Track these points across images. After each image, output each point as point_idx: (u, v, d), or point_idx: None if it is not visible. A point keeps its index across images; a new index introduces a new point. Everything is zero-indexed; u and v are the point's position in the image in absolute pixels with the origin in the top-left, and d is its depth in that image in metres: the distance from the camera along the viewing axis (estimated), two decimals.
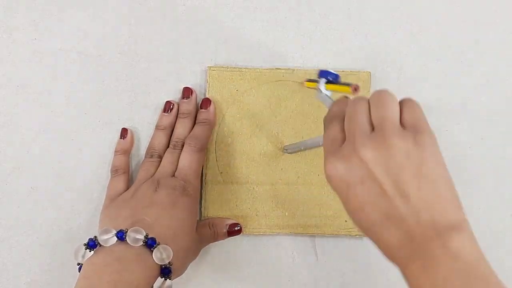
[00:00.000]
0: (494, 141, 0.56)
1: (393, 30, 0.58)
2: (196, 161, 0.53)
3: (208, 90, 0.56)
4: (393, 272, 0.55)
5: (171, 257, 0.46)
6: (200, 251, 0.53)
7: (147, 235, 0.46)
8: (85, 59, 0.57)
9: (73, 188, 0.56)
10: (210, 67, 0.56)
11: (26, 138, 0.56)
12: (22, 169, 0.56)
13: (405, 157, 0.38)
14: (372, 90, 0.56)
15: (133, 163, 0.56)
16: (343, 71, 0.56)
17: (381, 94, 0.41)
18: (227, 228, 0.54)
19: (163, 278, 0.46)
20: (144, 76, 0.57)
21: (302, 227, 0.55)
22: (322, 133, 0.43)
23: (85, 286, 0.44)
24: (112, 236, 0.45)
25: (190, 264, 0.51)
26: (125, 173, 0.55)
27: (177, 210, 0.50)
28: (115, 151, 0.56)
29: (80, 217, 0.56)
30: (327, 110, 0.44)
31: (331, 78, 0.47)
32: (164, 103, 0.56)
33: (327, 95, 0.47)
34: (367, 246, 0.55)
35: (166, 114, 0.56)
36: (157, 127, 0.56)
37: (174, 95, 0.57)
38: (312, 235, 0.56)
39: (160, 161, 0.54)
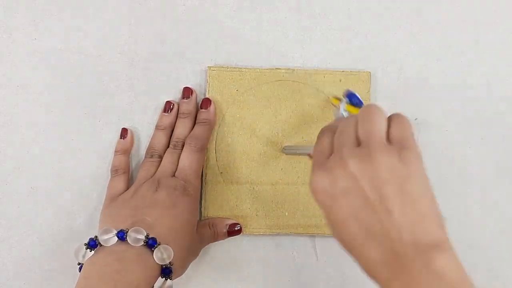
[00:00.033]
0: (494, 141, 0.56)
1: (393, 30, 0.58)
2: (196, 161, 0.53)
3: (208, 90, 0.56)
4: None
5: (172, 257, 0.46)
6: (200, 251, 0.53)
7: (148, 235, 0.46)
8: (85, 59, 0.57)
9: (73, 188, 0.56)
10: (210, 67, 0.56)
11: (26, 138, 0.56)
12: (22, 169, 0.56)
13: (389, 172, 0.38)
14: (372, 90, 0.56)
15: (133, 163, 0.56)
16: (343, 71, 0.56)
17: (369, 109, 0.41)
18: (227, 228, 0.54)
19: (164, 278, 0.46)
20: (144, 76, 0.57)
21: (302, 227, 0.55)
22: None
23: (85, 286, 0.44)
24: (113, 236, 0.45)
25: (191, 264, 0.51)
26: (125, 173, 0.55)
27: (178, 210, 0.50)
28: (115, 151, 0.56)
29: (80, 217, 0.56)
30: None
31: (354, 101, 0.48)
32: (164, 103, 0.56)
33: (342, 114, 0.48)
34: None
35: (166, 114, 0.56)
36: (157, 127, 0.56)
37: (174, 95, 0.57)
38: (312, 235, 0.56)
39: (160, 161, 0.54)
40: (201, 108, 0.55)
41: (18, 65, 0.57)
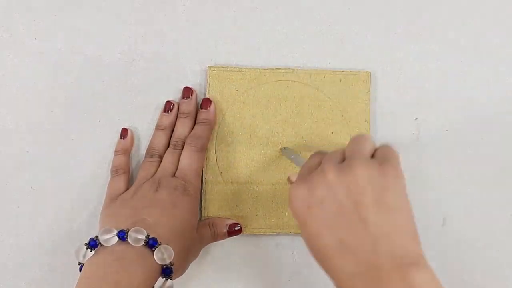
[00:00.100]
0: (494, 141, 0.56)
1: (393, 30, 0.58)
2: (197, 161, 0.53)
3: (208, 90, 0.56)
4: None
5: (172, 257, 0.46)
6: (200, 251, 0.53)
7: (149, 235, 0.46)
8: (85, 59, 0.57)
9: (73, 188, 0.56)
10: (210, 67, 0.56)
11: (26, 138, 0.56)
12: (22, 169, 0.56)
13: (367, 182, 0.38)
14: (372, 90, 0.56)
15: (133, 163, 0.56)
16: (343, 71, 0.56)
17: (359, 135, 0.43)
18: (227, 228, 0.54)
19: (164, 278, 0.46)
20: (144, 76, 0.57)
21: None
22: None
23: (86, 286, 0.44)
24: (113, 236, 0.45)
25: (191, 264, 0.51)
26: (125, 173, 0.55)
27: (178, 210, 0.50)
28: (115, 151, 0.56)
29: (80, 217, 0.56)
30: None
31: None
32: (164, 103, 0.56)
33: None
34: None
35: (166, 114, 0.56)
36: (157, 127, 0.56)
37: (174, 95, 0.57)
38: None
39: (161, 161, 0.54)
40: (201, 108, 0.55)
41: (18, 65, 0.57)
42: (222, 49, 0.57)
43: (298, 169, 0.45)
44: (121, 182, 0.54)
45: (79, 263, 0.46)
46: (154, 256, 0.45)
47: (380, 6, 0.58)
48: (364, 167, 0.39)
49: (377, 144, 0.42)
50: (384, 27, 0.58)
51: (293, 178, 0.44)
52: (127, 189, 0.53)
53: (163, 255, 0.45)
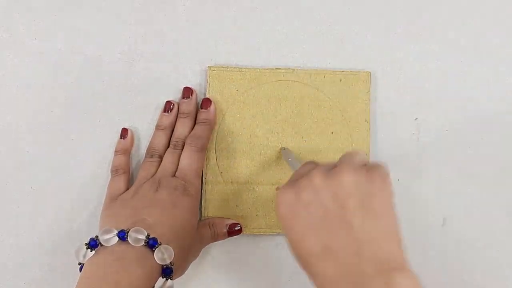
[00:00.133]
0: (494, 141, 0.56)
1: (393, 30, 0.58)
2: (197, 161, 0.53)
3: (208, 90, 0.56)
4: None
5: (173, 257, 0.46)
6: (200, 251, 0.53)
7: (149, 235, 0.46)
8: (85, 59, 0.57)
9: (73, 188, 0.56)
10: (210, 67, 0.56)
11: (26, 138, 0.56)
12: (22, 169, 0.56)
13: (354, 187, 0.38)
14: (372, 90, 0.56)
15: (133, 163, 0.56)
16: (343, 71, 0.56)
17: (353, 150, 0.44)
18: (227, 228, 0.54)
19: (164, 278, 0.46)
20: (144, 76, 0.57)
21: None
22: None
23: (86, 286, 0.44)
24: (114, 236, 0.45)
25: (191, 264, 0.51)
26: (125, 173, 0.55)
27: (178, 210, 0.50)
28: (115, 151, 0.56)
29: (80, 217, 0.56)
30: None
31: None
32: (164, 103, 0.56)
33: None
34: None
35: (166, 114, 0.56)
36: (157, 127, 0.56)
37: (174, 95, 0.57)
38: None
39: (161, 161, 0.54)
40: (201, 108, 0.55)
41: (18, 65, 0.57)
42: (222, 49, 0.57)
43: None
44: (121, 182, 0.54)
45: (79, 263, 0.46)
46: (154, 256, 0.45)
47: (380, 6, 0.58)
48: (352, 173, 0.39)
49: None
50: (384, 27, 0.58)
51: None
52: (127, 189, 0.53)
53: (163, 255, 0.45)
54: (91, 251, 0.45)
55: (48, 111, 0.56)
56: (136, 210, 0.49)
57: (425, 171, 0.56)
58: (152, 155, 0.54)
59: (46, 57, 0.57)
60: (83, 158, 0.56)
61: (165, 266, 0.46)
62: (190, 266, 0.51)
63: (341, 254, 0.37)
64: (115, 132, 0.56)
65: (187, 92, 0.56)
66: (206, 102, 0.55)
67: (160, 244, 0.46)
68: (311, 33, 0.58)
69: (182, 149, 0.54)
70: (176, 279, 0.48)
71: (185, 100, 0.56)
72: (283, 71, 0.56)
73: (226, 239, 0.54)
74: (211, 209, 0.55)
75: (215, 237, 0.54)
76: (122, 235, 0.45)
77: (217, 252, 0.56)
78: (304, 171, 0.43)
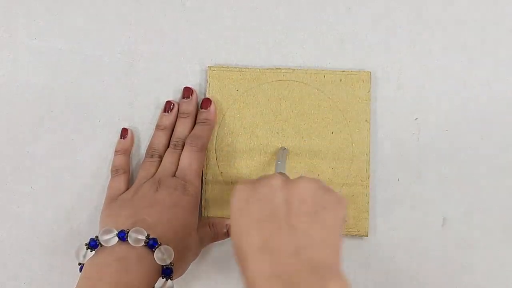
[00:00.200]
0: (494, 141, 0.56)
1: (393, 30, 0.58)
2: (197, 161, 0.53)
3: (208, 90, 0.56)
4: (393, 273, 0.55)
5: (173, 258, 0.46)
6: (200, 251, 0.53)
7: (149, 236, 0.46)
8: (85, 59, 0.57)
9: (73, 188, 0.56)
10: (210, 66, 0.56)
11: (26, 138, 0.56)
12: (22, 169, 0.56)
13: (309, 195, 0.39)
14: (372, 90, 0.56)
15: (133, 163, 0.56)
16: (343, 71, 0.56)
17: None
18: (227, 228, 0.54)
19: (164, 279, 0.46)
20: (144, 76, 0.57)
21: None
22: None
23: (86, 286, 0.44)
24: (114, 236, 0.45)
25: (191, 264, 0.51)
26: (125, 173, 0.55)
27: (178, 210, 0.50)
28: (115, 151, 0.56)
29: (80, 217, 0.56)
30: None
31: None
32: (164, 103, 0.56)
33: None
34: (367, 246, 0.55)
35: (166, 114, 0.56)
36: (157, 127, 0.56)
37: (174, 95, 0.57)
38: None
39: (161, 161, 0.54)
40: (201, 108, 0.56)
41: (18, 65, 0.57)
42: (222, 49, 0.58)
43: None
44: (121, 182, 0.54)
45: (79, 263, 0.46)
46: (154, 257, 0.45)
47: (380, 6, 0.58)
48: (312, 183, 0.40)
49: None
50: (384, 27, 0.58)
51: None
52: (127, 189, 0.53)
53: (163, 255, 0.45)
54: (91, 251, 0.45)
55: (48, 111, 0.57)
56: (136, 210, 0.49)
57: (425, 171, 0.56)
58: (152, 155, 0.54)
59: (46, 57, 0.57)
60: (83, 158, 0.56)
61: (165, 266, 0.46)
62: (190, 266, 0.51)
63: (279, 253, 0.37)
64: (115, 132, 0.56)
65: (187, 92, 0.56)
66: (206, 102, 0.55)
67: (160, 245, 0.46)
68: (311, 33, 0.58)
69: (182, 149, 0.54)
70: (176, 279, 0.48)
71: (185, 100, 0.56)
72: (283, 71, 0.56)
73: (226, 239, 0.54)
74: (211, 209, 0.55)
75: (215, 237, 0.54)
76: (122, 236, 0.45)
77: (217, 252, 0.56)
78: (269, 175, 0.43)
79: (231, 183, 0.55)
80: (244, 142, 0.56)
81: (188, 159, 0.53)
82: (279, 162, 0.52)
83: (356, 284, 0.55)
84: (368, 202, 0.55)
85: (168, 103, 0.56)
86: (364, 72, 0.56)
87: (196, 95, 0.56)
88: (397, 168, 0.56)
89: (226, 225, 0.54)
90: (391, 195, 0.56)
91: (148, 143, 0.56)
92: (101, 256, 0.45)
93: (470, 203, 0.56)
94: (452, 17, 0.58)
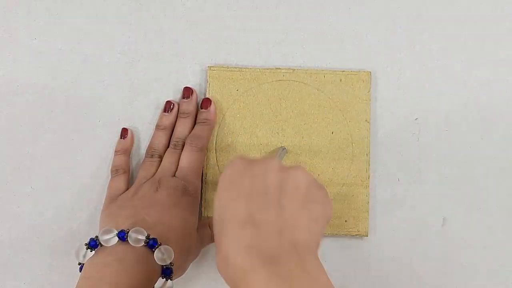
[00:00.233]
0: (494, 141, 0.56)
1: (393, 30, 0.58)
2: (197, 161, 0.53)
3: (208, 90, 0.56)
4: (393, 273, 0.55)
5: (173, 258, 0.46)
6: (200, 251, 0.53)
7: (149, 236, 0.46)
8: (85, 59, 0.57)
9: (73, 188, 0.56)
10: (210, 66, 0.56)
11: (26, 138, 0.56)
12: (22, 169, 0.56)
13: (304, 184, 0.40)
14: (372, 90, 0.56)
15: (133, 163, 0.56)
16: (343, 71, 0.56)
17: None
18: None
19: (164, 279, 0.46)
20: (144, 76, 0.57)
21: None
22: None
23: (86, 286, 0.44)
24: (114, 236, 0.45)
25: (191, 264, 0.51)
26: (125, 173, 0.55)
27: (178, 210, 0.50)
28: (115, 151, 0.56)
29: (80, 217, 0.56)
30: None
31: None
32: (164, 103, 0.56)
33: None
34: (367, 247, 0.55)
35: (166, 114, 0.56)
36: (157, 127, 0.56)
37: (174, 95, 0.57)
38: None
39: (161, 161, 0.54)
40: (201, 108, 0.56)
41: (18, 65, 0.57)
42: (222, 49, 0.58)
43: None
44: (121, 182, 0.54)
45: (79, 263, 0.46)
46: (154, 257, 0.45)
47: (380, 6, 0.58)
48: (308, 176, 0.41)
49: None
50: (384, 27, 0.58)
51: None
52: (127, 189, 0.53)
53: (163, 256, 0.45)
54: (91, 251, 0.45)
55: (48, 111, 0.56)
56: (136, 210, 0.49)
57: (425, 171, 0.56)
58: (152, 155, 0.54)
59: (46, 57, 0.57)
60: (83, 158, 0.56)
61: (165, 267, 0.46)
62: (190, 266, 0.51)
63: (263, 228, 0.37)
64: (115, 132, 0.56)
65: (187, 92, 0.56)
66: (206, 102, 0.55)
67: (160, 245, 0.46)
68: (311, 33, 0.58)
69: (182, 149, 0.54)
70: (176, 279, 0.48)
71: (185, 100, 0.56)
72: (283, 71, 0.56)
73: None
74: (211, 209, 0.55)
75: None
76: (122, 235, 0.45)
77: None
78: (268, 157, 0.43)
79: None
80: (244, 142, 0.56)
81: (188, 159, 0.53)
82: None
83: (356, 284, 0.55)
84: (368, 202, 0.55)
85: (168, 103, 0.56)
86: (364, 72, 0.56)
87: (196, 95, 0.56)
88: (397, 168, 0.56)
89: None
90: (391, 195, 0.56)
91: (148, 143, 0.56)
92: (101, 256, 0.45)
93: (470, 203, 0.56)
94: (452, 17, 0.58)
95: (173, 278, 0.46)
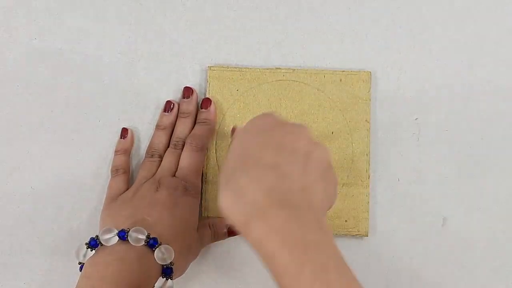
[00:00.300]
0: (494, 141, 0.56)
1: (393, 30, 0.58)
2: (197, 161, 0.53)
3: (209, 90, 0.56)
4: (393, 273, 0.55)
5: (173, 257, 0.46)
6: (200, 251, 0.53)
7: (149, 235, 0.46)
8: (85, 59, 0.57)
9: (73, 188, 0.56)
10: (211, 66, 0.56)
11: (26, 138, 0.56)
12: (22, 169, 0.56)
13: (327, 162, 0.40)
14: (372, 90, 0.56)
15: (133, 163, 0.56)
16: (343, 71, 0.56)
17: None
18: (227, 228, 0.54)
19: (165, 278, 0.46)
20: (144, 76, 0.57)
21: None
22: None
23: (86, 286, 0.44)
24: (114, 236, 0.45)
25: (191, 264, 0.51)
26: (125, 172, 0.55)
27: (179, 210, 0.50)
28: (115, 151, 0.56)
29: (80, 217, 0.56)
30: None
31: None
32: (164, 103, 0.56)
33: None
34: (367, 246, 0.55)
35: (166, 113, 0.56)
36: (158, 127, 0.56)
37: (174, 95, 0.57)
38: None
39: (161, 161, 0.54)
40: (201, 108, 0.56)
41: (18, 65, 0.57)
42: (222, 49, 0.58)
43: None
44: (121, 182, 0.54)
45: (79, 263, 0.46)
46: (155, 256, 0.45)
47: (380, 6, 0.58)
48: (329, 155, 0.41)
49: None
50: (384, 27, 0.58)
51: None
52: (128, 189, 0.53)
53: (163, 255, 0.45)
54: (91, 250, 0.45)
55: (48, 111, 0.56)
56: (136, 210, 0.49)
57: (425, 171, 0.56)
58: (152, 155, 0.54)
59: (46, 57, 0.57)
60: (83, 158, 0.56)
61: (165, 266, 0.46)
62: (190, 266, 0.51)
63: (287, 179, 0.37)
64: (115, 132, 0.56)
65: (187, 92, 0.56)
66: (206, 102, 0.55)
67: (160, 244, 0.46)
68: (311, 33, 0.58)
69: (182, 149, 0.54)
70: (176, 279, 0.48)
71: (185, 100, 0.56)
72: (283, 71, 0.56)
73: (226, 239, 0.54)
74: (211, 209, 0.55)
75: (215, 237, 0.54)
76: (123, 235, 0.45)
77: (217, 252, 0.56)
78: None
79: None
80: None
81: (188, 159, 0.53)
82: None
83: None
84: (368, 202, 0.55)
85: (168, 103, 0.56)
86: (364, 72, 0.56)
87: (196, 95, 0.56)
88: (397, 168, 0.56)
89: (226, 225, 0.54)
90: (391, 195, 0.56)
91: (148, 143, 0.56)
92: (101, 256, 0.45)
93: (470, 203, 0.56)
94: (452, 17, 0.58)
95: (173, 278, 0.46)
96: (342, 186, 0.55)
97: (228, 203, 0.36)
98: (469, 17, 0.58)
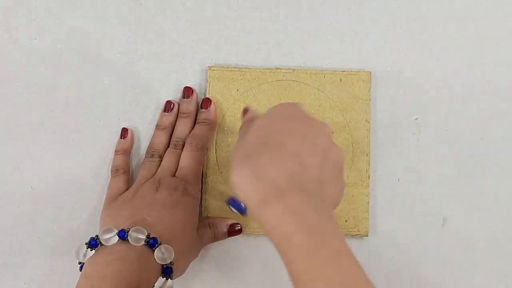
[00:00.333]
0: (494, 141, 0.56)
1: (393, 30, 0.58)
2: (197, 161, 0.53)
3: (209, 90, 0.56)
4: (393, 273, 0.55)
5: (173, 257, 0.46)
6: (200, 251, 0.53)
7: (149, 235, 0.46)
8: (85, 59, 0.57)
9: (73, 188, 0.56)
10: (211, 66, 0.56)
11: (26, 138, 0.56)
12: (22, 169, 0.56)
13: (342, 163, 0.41)
14: (372, 90, 0.56)
15: (133, 163, 0.56)
16: (343, 71, 0.56)
17: None
18: (227, 228, 0.54)
19: (165, 278, 0.46)
20: (144, 76, 0.57)
21: None
22: None
23: (86, 286, 0.44)
24: (114, 236, 0.45)
25: (191, 263, 0.51)
26: (125, 172, 0.55)
27: (179, 210, 0.50)
28: (116, 151, 0.56)
29: (80, 217, 0.56)
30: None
31: (235, 207, 0.52)
32: (164, 103, 0.56)
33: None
34: (367, 246, 0.55)
35: (166, 113, 0.56)
36: (158, 127, 0.56)
37: (175, 95, 0.57)
38: None
39: (161, 161, 0.54)
40: (201, 108, 0.56)
41: (18, 65, 0.57)
42: (222, 49, 0.58)
43: None
44: (121, 182, 0.54)
45: (79, 263, 0.46)
46: (155, 256, 0.45)
47: (380, 6, 0.58)
48: (344, 155, 0.42)
49: None
50: (384, 27, 0.58)
51: None
52: (127, 189, 0.53)
53: (163, 255, 0.45)
54: (91, 250, 0.45)
55: (48, 111, 0.56)
56: (136, 209, 0.49)
57: (425, 171, 0.56)
58: (152, 155, 0.54)
59: (46, 57, 0.57)
60: (83, 158, 0.56)
61: (165, 266, 0.46)
62: (190, 266, 0.51)
63: (307, 170, 0.38)
64: (115, 132, 0.56)
65: (188, 91, 0.56)
66: (206, 102, 0.55)
67: (160, 244, 0.46)
68: (311, 33, 0.58)
69: (182, 149, 0.54)
70: (176, 278, 0.48)
71: (186, 99, 0.56)
72: (283, 71, 0.56)
73: (226, 239, 0.54)
74: (211, 209, 0.55)
75: (215, 237, 0.54)
76: (123, 235, 0.45)
77: (217, 252, 0.56)
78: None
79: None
80: None
81: (188, 159, 0.53)
82: None
83: None
84: (368, 202, 0.55)
85: (168, 103, 0.56)
86: (364, 72, 0.56)
87: (196, 95, 0.56)
88: (397, 168, 0.56)
89: (227, 225, 0.54)
90: (391, 195, 0.56)
91: (148, 143, 0.56)
92: (101, 255, 0.45)
93: (470, 203, 0.56)
94: (452, 17, 0.58)
95: (173, 278, 0.46)
96: None
97: (245, 181, 0.37)
98: (469, 17, 0.58)
